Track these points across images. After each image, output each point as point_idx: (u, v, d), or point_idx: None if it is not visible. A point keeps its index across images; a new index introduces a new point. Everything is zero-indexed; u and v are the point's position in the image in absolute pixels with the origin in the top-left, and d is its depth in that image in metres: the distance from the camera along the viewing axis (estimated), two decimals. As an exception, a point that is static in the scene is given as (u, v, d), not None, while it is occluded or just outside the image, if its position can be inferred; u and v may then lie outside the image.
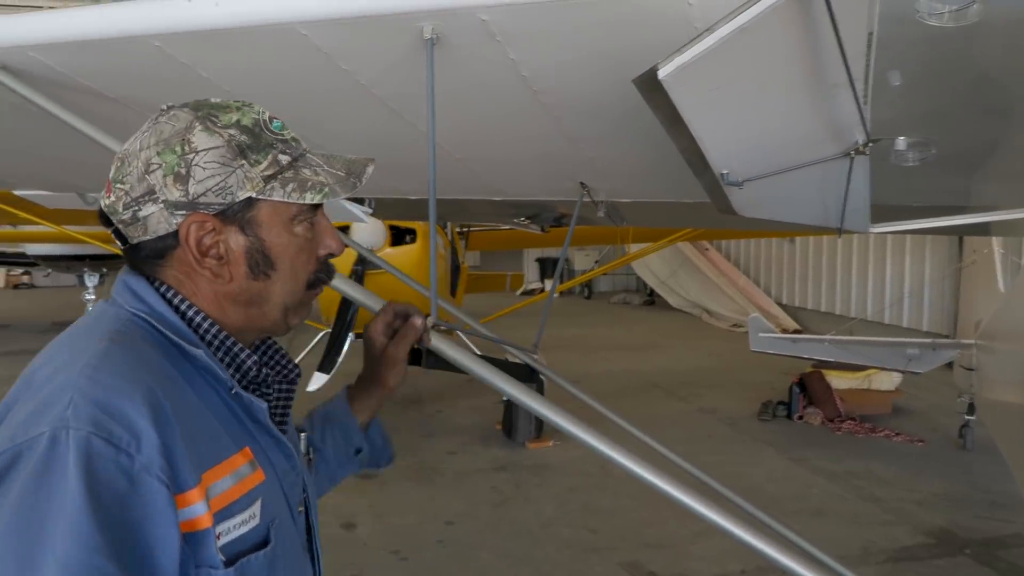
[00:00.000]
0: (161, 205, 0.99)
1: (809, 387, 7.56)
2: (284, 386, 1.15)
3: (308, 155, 1.07)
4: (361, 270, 5.87)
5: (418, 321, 1.37)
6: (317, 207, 1.07)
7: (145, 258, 1.03)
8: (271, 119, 1.05)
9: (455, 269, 7.82)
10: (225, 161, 0.99)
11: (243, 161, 1.00)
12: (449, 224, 7.52)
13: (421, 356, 1.40)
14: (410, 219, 6.10)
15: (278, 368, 1.15)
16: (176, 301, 1.02)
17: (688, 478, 2.18)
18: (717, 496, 2.19)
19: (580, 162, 2.17)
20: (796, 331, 12.01)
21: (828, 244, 12.18)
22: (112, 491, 0.84)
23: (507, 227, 7.85)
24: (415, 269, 5.79)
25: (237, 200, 1.00)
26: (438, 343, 1.40)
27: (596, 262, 17.21)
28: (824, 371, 7.52)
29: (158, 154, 0.99)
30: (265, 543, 0.99)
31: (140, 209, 1.00)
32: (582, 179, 2.37)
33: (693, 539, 4.60)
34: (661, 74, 1.13)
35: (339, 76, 1.56)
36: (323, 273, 1.11)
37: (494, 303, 10.19)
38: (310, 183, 1.03)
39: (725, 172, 1.56)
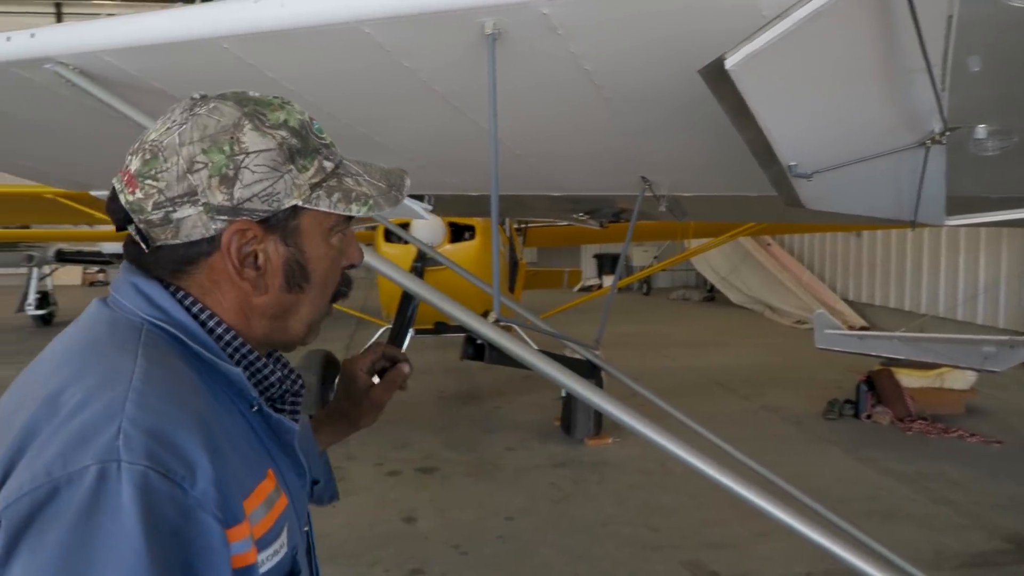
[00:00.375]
0: (201, 208, 0.90)
1: (878, 385, 7.33)
2: (291, 399, 1.05)
3: (346, 162, 1.00)
4: (421, 267, 5.93)
5: (405, 368, 1.30)
6: (351, 218, 1.00)
7: (169, 262, 0.93)
8: (311, 120, 0.98)
9: (513, 265, 7.83)
10: (275, 165, 0.91)
11: (292, 166, 0.93)
12: (507, 220, 7.54)
13: (483, 351, 1.40)
14: (469, 215, 6.14)
15: (288, 381, 1.05)
16: (195, 310, 0.93)
17: (753, 476, 2.13)
18: (784, 495, 2.14)
19: (641, 156, 2.15)
20: (863, 328, 11.68)
21: (897, 238, 11.80)
22: (172, 532, 0.75)
23: (565, 223, 7.83)
24: (474, 266, 5.81)
25: (283, 208, 0.92)
26: (500, 339, 1.40)
27: (655, 258, 17.02)
28: (894, 369, 7.28)
29: (204, 152, 0.89)
30: (290, 572, 0.93)
31: (175, 211, 0.90)
32: (643, 173, 2.35)
33: (756, 540, 4.51)
34: (728, 63, 1.10)
35: (401, 74, 1.57)
36: (344, 286, 1.05)
37: (552, 300, 10.18)
38: (354, 193, 0.96)
39: (793, 164, 1.52)
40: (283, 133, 0.93)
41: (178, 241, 0.92)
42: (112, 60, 1.62)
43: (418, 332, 6.79)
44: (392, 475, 5.73)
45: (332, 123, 1.92)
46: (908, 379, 7.26)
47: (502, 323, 1.47)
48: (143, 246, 0.93)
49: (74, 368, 0.85)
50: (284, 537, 0.92)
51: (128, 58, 1.61)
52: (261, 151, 0.91)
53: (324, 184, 0.95)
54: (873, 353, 6.34)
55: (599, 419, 6.49)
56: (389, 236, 6.30)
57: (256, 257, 0.94)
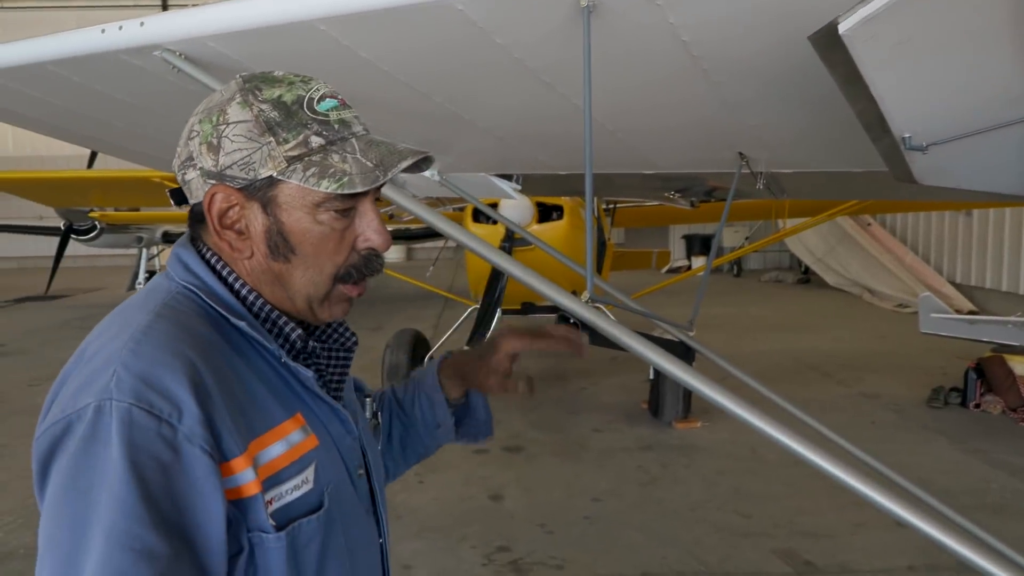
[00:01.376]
0: (198, 172, 1.00)
1: (988, 373, 6.92)
2: (341, 354, 1.14)
3: (352, 140, 1.00)
4: (509, 247, 5.94)
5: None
6: (357, 196, 1.00)
7: (195, 220, 1.05)
8: (323, 98, 1.01)
9: (601, 246, 7.75)
10: (252, 136, 0.97)
11: (271, 138, 0.97)
12: (595, 200, 7.46)
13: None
14: (557, 195, 6.10)
15: (335, 336, 1.14)
16: (224, 273, 1.03)
17: (856, 464, 2.04)
18: (889, 484, 2.04)
19: (739, 130, 2.07)
20: (971, 312, 11.05)
21: (1012, 217, 11.07)
22: (155, 461, 0.85)
23: (654, 203, 7.68)
24: (562, 246, 5.77)
25: (259, 177, 0.98)
26: (595, 319, 1.37)
27: (747, 238, 16.57)
28: (1006, 356, 6.86)
29: (199, 122, 1.00)
30: (319, 507, 1.00)
31: (186, 173, 1.02)
32: (740, 149, 2.26)
33: (853, 531, 4.35)
34: (842, 28, 1.04)
35: (493, 50, 1.56)
36: (358, 268, 1.04)
37: (640, 281, 10.04)
38: (332, 170, 0.97)
39: (907, 136, 1.43)
40: (264, 107, 0.98)
41: (194, 201, 1.03)
42: (215, 45, 1.66)
43: (505, 312, 6.82)
44: (479, 453, 5.80)
45: (425, 103, 1.94)
46: (1022, 367, 6.83)
47: (595, 303, 1.44)
48: (185, 202, 1.05)
49: (102, 327, 0.98)
50: (309, 474, 0.99)
51: (229, 43, 1.65)
52: (239, 122, 0.98)
53: (304, 158, 0.98)
54: (984, 339, 5.99)
55: (688, 402, 6.38)
56: (477, 216, 6.33)
57: (240, 222, 1.01)
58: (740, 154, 2.29)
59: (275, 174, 0.98)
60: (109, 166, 10.65)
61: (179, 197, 1.06)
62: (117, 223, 13.41)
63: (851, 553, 4.13)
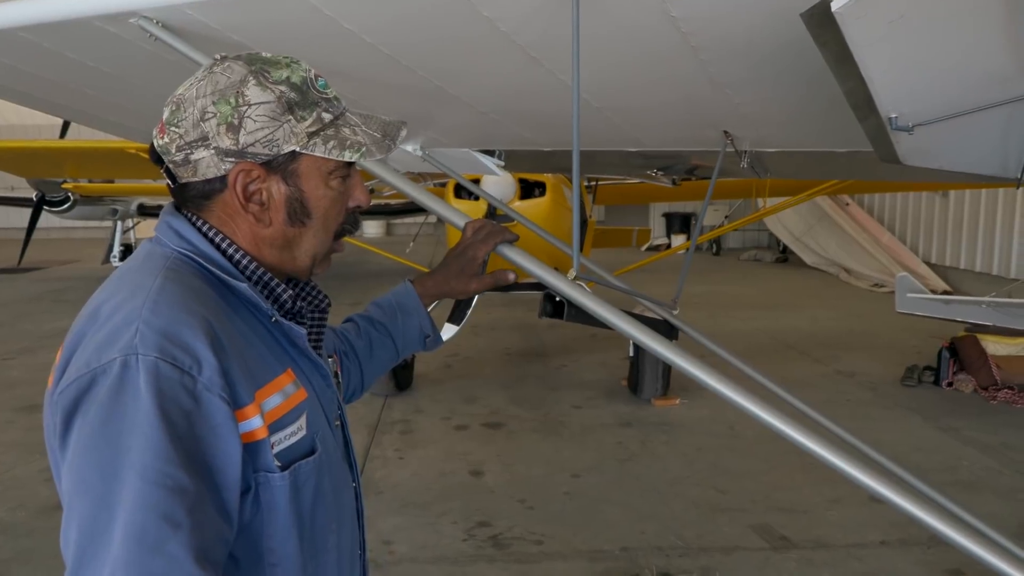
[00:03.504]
0: (212, 151, 1.07)
1: (961, 352, 7.04)
2: (316, 315, 1.26)
3: (348, 114, 1.14)
4: (491, 223, 5.90)
5: (511, 276, 1.49)
6: (351, 164, 1.15)
7: (192, 197, 1.12)
8: (316, 77, 1.12)
9: (583, 223, 7.75)
10: (275, 115, 1.07)
11: (291, 117, 1.08)
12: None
13: (562, 309, 1.37)
14: (540, 171, 6.07)
15: (311, 300, 1.26)
16: (217, 240, 1.11)
17: (835, 441, 2.06)
18: (866, 460, 2.06)
19: (725, 109, 2.06)
20: (946, 292, 11.21)
21: (987, 198, 11.20)
22: (180, 408, 0.93)
23: (636, 180, 7.67)
24: (544, 223, 5.74)
25: (282, 152, 1.08)
26: (579, 296, 1.37)
27: (726, 217, 16.62)
28: (979, 336, 6.97)
29: (214, 103, 1.06)
30: (312, 451, 1.10)
31: (192, 153, 1.07)
32: (726, 127, 2.26)
33: (829, 506, 4.42)
34: (835, 6, 1.03)
35: (480, 23, 1.53)
36: (349, 224, 1.20)
37: (620, 259, 10.06)
38: (349, 142, 1.10)
39: (894, 116, 1.43)
40: (283, 88, 1.08)
41: (197, 179, 1.09)
42: (193, 13, 1.62)
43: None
44: (459, 429, 5.81)
45: (410, 76, 1.91)
46: (995, 346, 6.95)
47: (582, 280, 1.44)
48: (171, 183, 1.12)
49: (112, 289, 1.05)
50: (303, 422, 1.10)
51: (209, 11, 1.61)
52: (262, 103, 1.06)
53: (321, 133, 1.10)
54: (959, 318, 6.08)
55: (667, 380, 6.43)
56: (459, 192, 6.29)
57: (261, 194, 1.10)
58: (725, 132, 2.28)
59: (298, 148, 1.08)
60: (83, 136, 10.45)
61: (173, 177, 1.12)
62: (91, 195, 13.18)
63: (825, 528, 4.20)
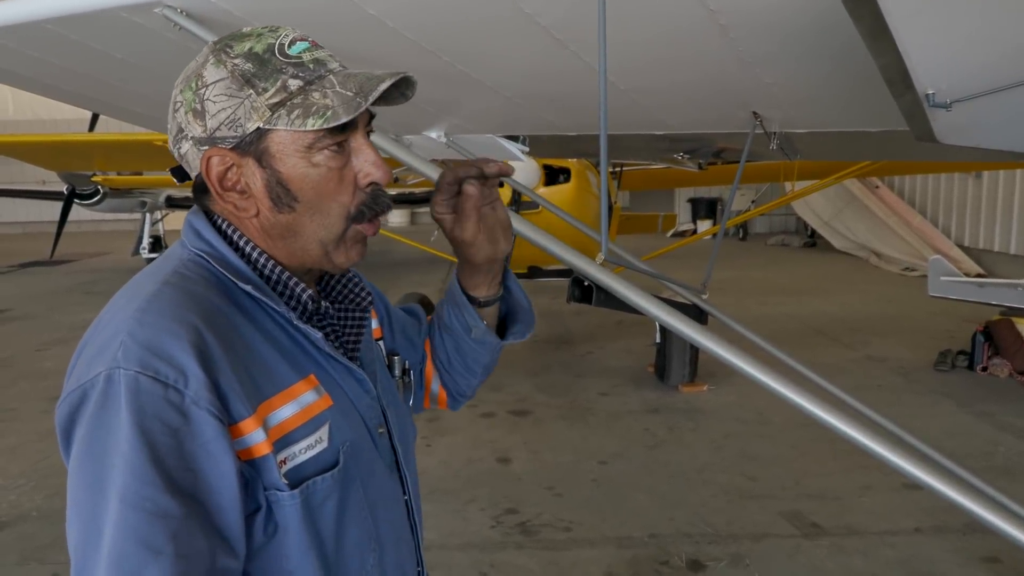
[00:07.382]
0: (191, 142, 0.99)
1: (996, 336, 6.90)
2: (356, 314, 1.14)
3: (330, 77, 0.98)
4: (516, 210, 5.88)
5: (471, 189, 1.15)
6: (345, 131, 0.99)
7: (199, 193, 1.05)
8: (293, 42, 0.98)
9: (608, 209, 7.70)
10: (231, 92, 0.96)
11: (250, 91, 0.96)
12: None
13: (591, 294, 1.34)
14: (564, 157, 6.03)
15: (350, 296, 1.14)
16: (235, 237, 1.03)
17: (868, 424, 2.03)
18: (900, 443, 2.02)
19: (754, 88, 2.02)
20: (979, 275, 11.00)
21: (1021, 179, 10.95)
22: (165, 425, 0.87)
23: (661, 165, 7.60)
24: (570, 209, 5.71)
25: (247, 132, 0.97)
26: (609, 280, 1.35)
27: (753, 201, 16.44)
28: (1015, 319, 6.83)
29: (180, 92, 0.99)
30: (334, 465, 1.00)
31: (180, 147, 1.01)
32: (755, 108, 2.22)
33: (860, 492, 4.37)
34: (871, -24, 0.99)
35: (504, 5, 1.51)
36: (368, 205, 1.03)
37: (646, 245, 10.00)
38: (315, 107, 0.95)
39: (931, 92, 1.38)
40: (236, 61, 0.97)
41: (194, 173, 1.03)
42: (217, 1, 1.61)
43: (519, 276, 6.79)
44: (486, 417, 5.82)
45: (434, 61, 1.89)
46: (1031, 330, 6.81)
47: (611, 264, 1.42)
48: (188, 178, 1.05)
49: (119, 293, 0.99)
50: (323, 434, 1.00)
51: (234, 0, 1.61)
52: (216, 81, 0.96)
53: (286, 103, 0.96)
54: (994, 302, 5.96)
55: (694, 366, 6.38)
56: (483, 179, 6.27)
57: (240, 181, 1.00)
58: (754, 113, 2.24)
59: (262, 124, 0.96)
60: (111, 130, 10.57)
61: (181, 174, 1.05)
62: (120, 187, 13.35)
63: (857, 515, 4.15)
